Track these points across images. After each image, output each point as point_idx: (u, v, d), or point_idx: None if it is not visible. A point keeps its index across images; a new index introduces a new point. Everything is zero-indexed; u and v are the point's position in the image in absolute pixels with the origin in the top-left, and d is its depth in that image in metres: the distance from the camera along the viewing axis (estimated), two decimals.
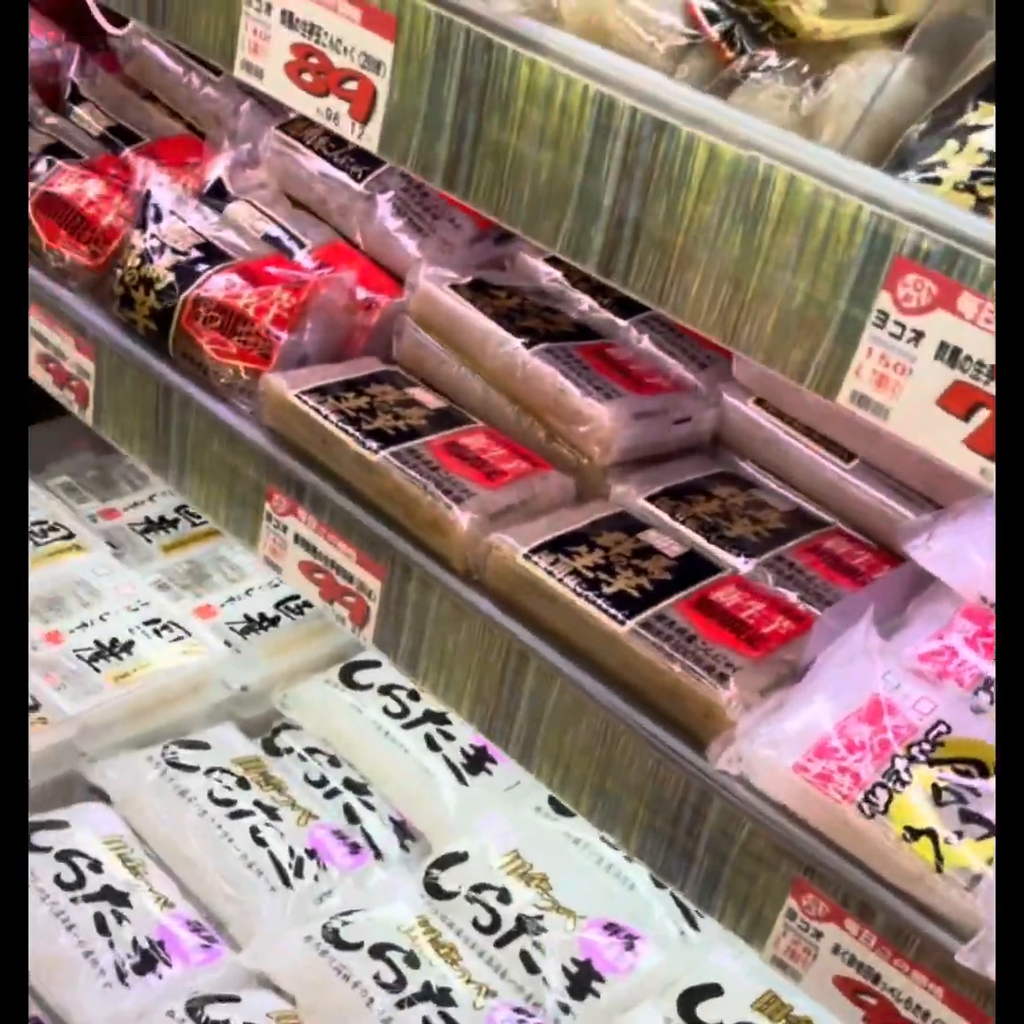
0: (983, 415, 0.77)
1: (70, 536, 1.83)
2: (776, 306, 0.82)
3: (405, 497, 1.23)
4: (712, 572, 1.19)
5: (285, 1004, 1.45)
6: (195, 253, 1.37)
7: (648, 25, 0.84)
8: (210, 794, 1.57)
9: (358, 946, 1.47)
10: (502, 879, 1.61)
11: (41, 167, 1.45)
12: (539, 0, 0.87)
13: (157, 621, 1.73)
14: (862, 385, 0.81)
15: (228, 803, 1.58)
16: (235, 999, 1.41)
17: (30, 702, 1.58)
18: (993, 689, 1.11)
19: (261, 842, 1.56)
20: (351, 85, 0.97)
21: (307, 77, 0.99)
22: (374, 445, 1.25)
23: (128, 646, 1.69)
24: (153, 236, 1.37)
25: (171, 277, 1.35)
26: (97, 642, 1.68)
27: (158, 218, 1.39)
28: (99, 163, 1.47)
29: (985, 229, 0.74)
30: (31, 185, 1.44)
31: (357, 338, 1.39)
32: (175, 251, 1.36)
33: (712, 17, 0.84)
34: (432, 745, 1.76)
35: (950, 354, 0.77)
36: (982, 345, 0.75)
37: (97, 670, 1.64)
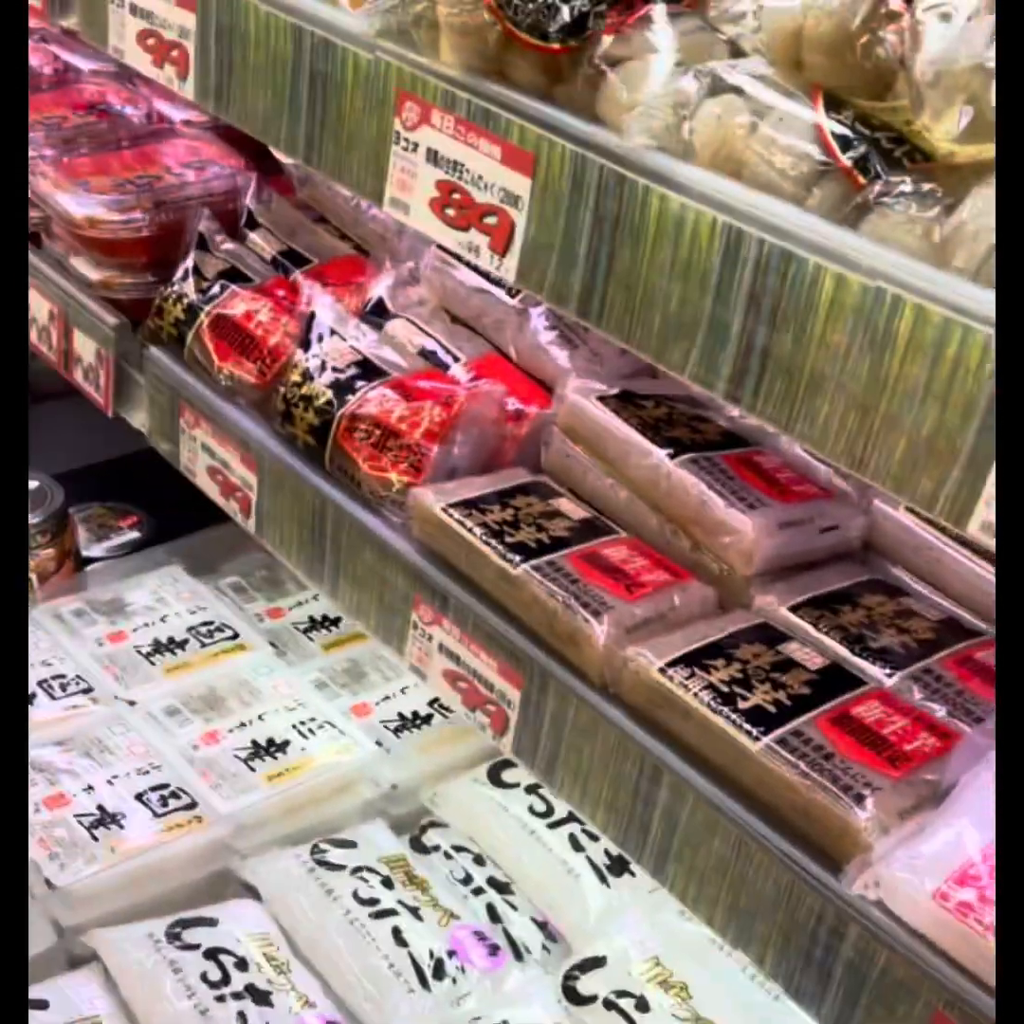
0: None
1: (235, 636, 1.86)
2: (904, 435, 0.80)
3: (544, 610, 1.22)
4: (855, 686, 1.15)
5: None
6: (353, 370, 1.39)
7: (780, 154, 0.83)
8: (355, 893, 1.56)
9: None
10: (641, 986, 1.55)
11: (215, 290, 1.50)
12: (672, 132, 0.86)
13: (313, 720, 1.74)
14: (992, 515, 0.77)
15: (372, 902, 1.56)
16: None
17: (187, 800, 1.59)
18: None
19: (402, 942, 1.54)
20: (491, 219, 0.98)
21: (450, 212, 1.00)
22: (515, 558, 1.24)
23: (284, 745, 1.71)
24: (315, 355, 1.40)
25: (329, 394, 1.38)
26: (254, 741, 1.70)
27: (320, 337, 1.42)
28: (269, 286, 1.51)
29: None
30: (206, 308, 1.49)
31: (507, 449, 1.39)
32: (334, 369, 1.39)
33: (845, 143, 0.82)
34: (576, 845, 1.72)
35: None
36: None
37: (253, 769, 1.66)
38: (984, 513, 0.78)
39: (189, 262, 1.54)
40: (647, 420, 1.30)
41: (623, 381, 1.39)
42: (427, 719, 1.84)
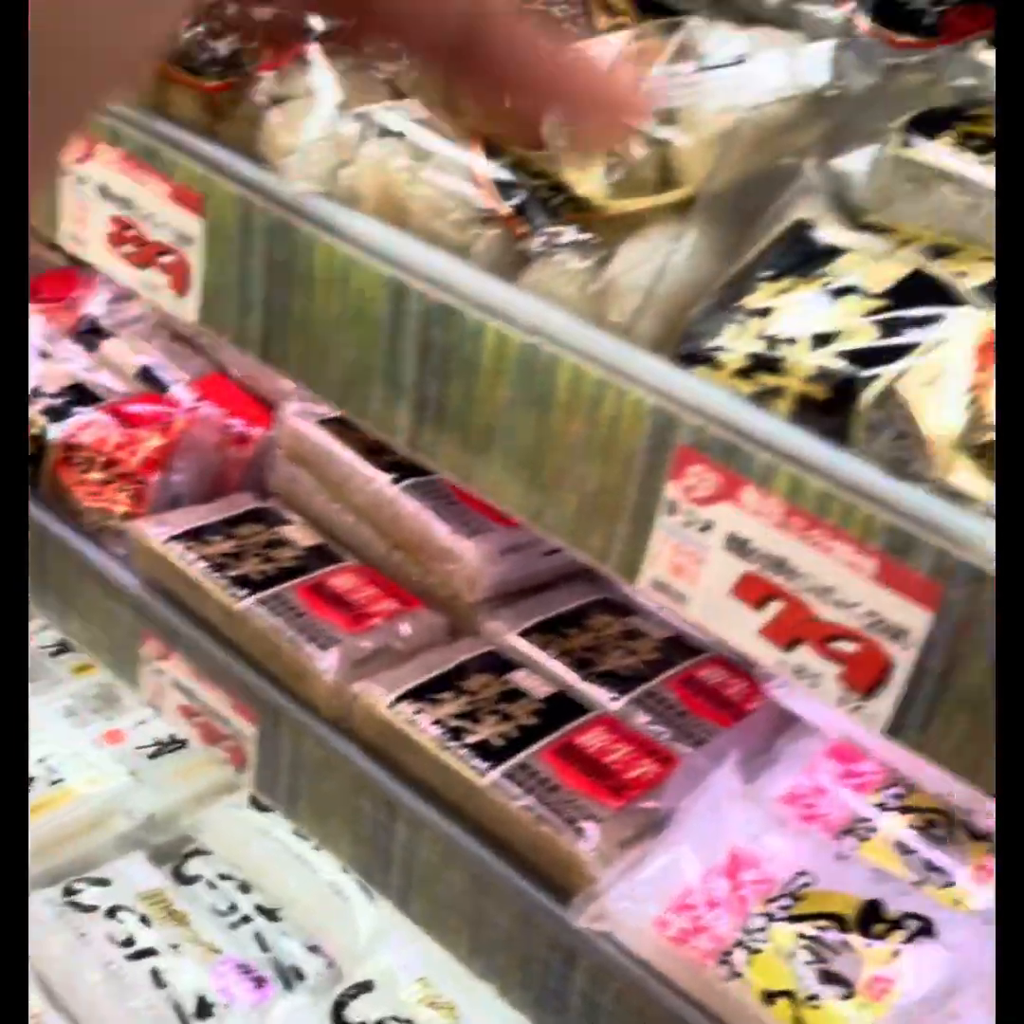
0: (775, 607, 0.74)
1: None
2: (574, 492, 0.80)
3: (270, 645, 1.21)
4: (580, 713, 1.16)
5: None
6: (67, 395, 1.35)
7: (442, 200, 0.82)
8: (109, 935, 1.53)
9: None
10: (411, 1009, 1.56)
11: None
12: (334, 177, 0.85)
13: (60, 752, 1.70)
14: (659, 572, 0.78)
15: (128, 943, 1.54)
16: None
17: None
18: (857, 832, 1.08)
19: (162, 983, 1.51)
20: (167, 258, 0.95)
21: (127, 249, 0.97)
22: (238, 592, 1.22)
23: (30, 781, 1.66)
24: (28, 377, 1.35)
25: (42, 421, 1.33)
26: None
27: (32, 360, 1.37)
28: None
29: (763, 421, 0.72)
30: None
31: (232, 473, 1.37)
32: (47, 394, 1.34)
33: (505, 190, 0.82)
34: (344, 867, 1.72)
35: (738, 545, 0.74)
36: (768, 538, 0.73)
37: None
38: (651, 569, 0.79)
39: None
40: (369, 443, 1.29)
41: None
42: (184, 743, 1.80)
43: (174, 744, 1.80)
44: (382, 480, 1.26)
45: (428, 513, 1.23)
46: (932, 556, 0.66)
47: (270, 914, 1.70)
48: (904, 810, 1.07)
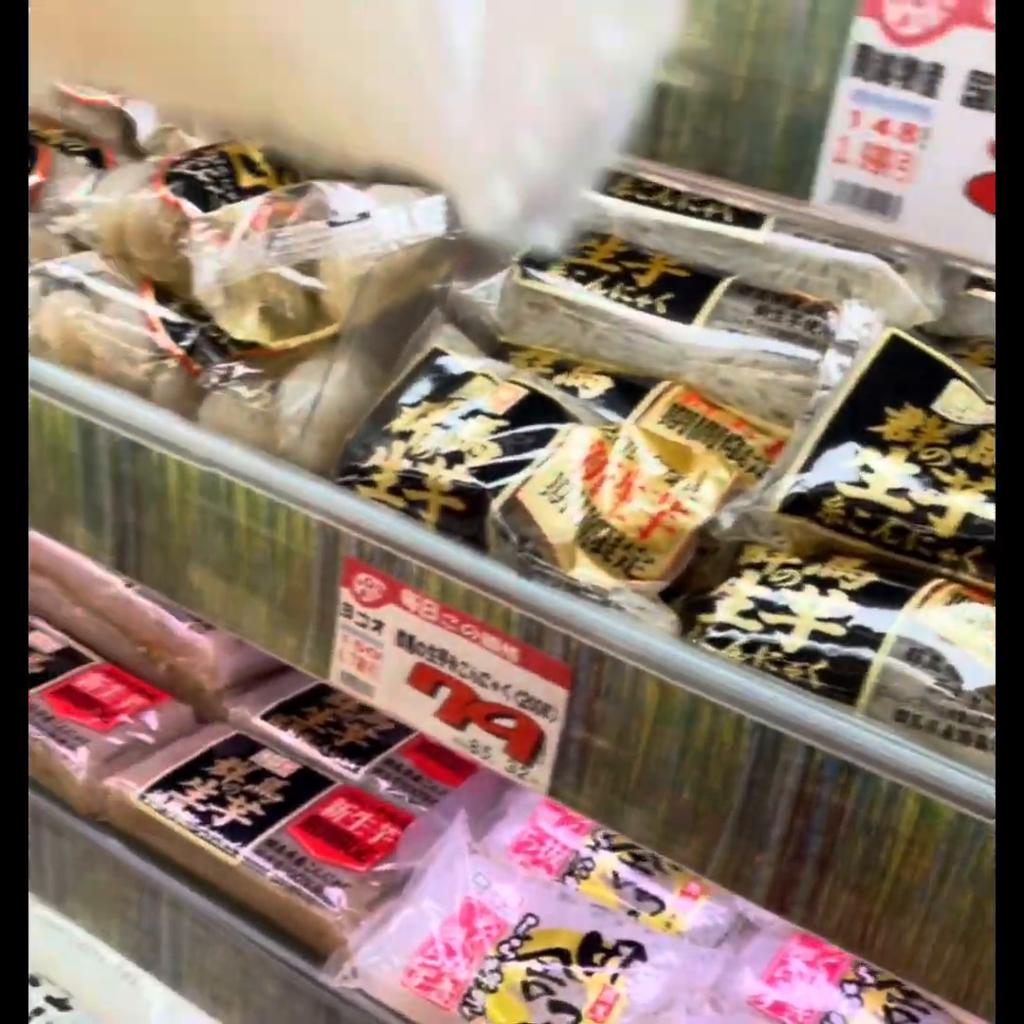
0: (445, 692, 0.83)
1: None
2: (265, 600, 0.88)
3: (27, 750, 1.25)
4: (324, 786, 1.24)
5: None
6: None
7: (119, 344, 0.89)
8: None
9: None
10: None
11: None
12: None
13: None
14: (347, 666, 0.87)
15: None
16: None
17: None
18: (576, 872, 1.18)
19: None
20: None
21: None
22: None
23: None
24: None
25: None
26: None
27: None
28: None
29: (413, 532, 0.81)
30: None
31: None
32: None
33: (177, 332, 0.89)
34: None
35: (407, 640, 0.83)
36: (430, 633, 0.82)
37: None
38: (340, 664, 0.87)
39: None
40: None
41: None
42: None
43: None
44: (118, 583, 1.31)
45: (164, 611, 1.29)
46: (561, 642, 0.76)
47: (60, 1004, 1.72)
48: (615, 848, 1.18)
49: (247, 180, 0.85)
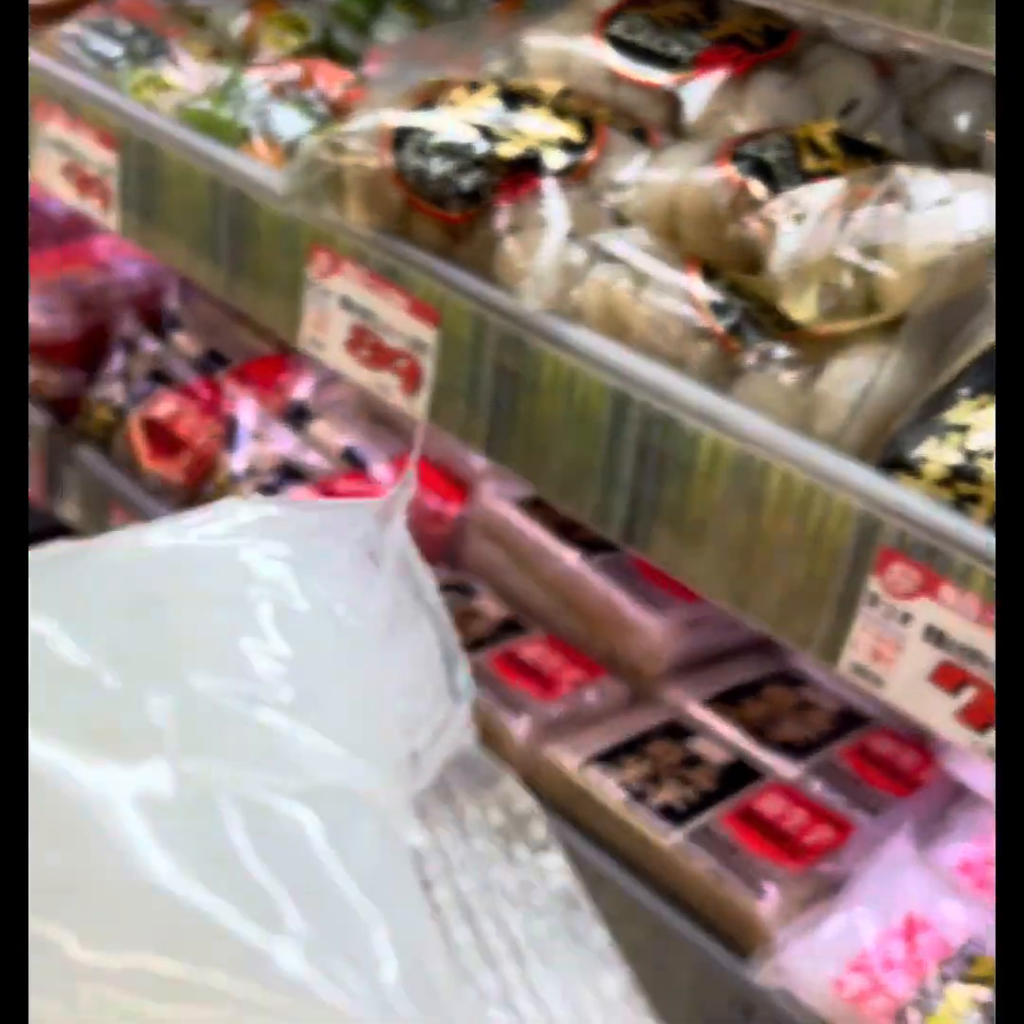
0: (969, 693, 0.81)
1: None
2: (780, 582, 0.88)
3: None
4: (757, 779, 1.24)
5: None
6: (276, 474, 1.47)
7: (660, 319, 0.92)
8: None
9: None
10: None
11: (141, 391, 1.57)
12: (563, 297, 0.95)
13: None
14: (859, 657, 0.86)
15: None
16: None
17: None
18: None
19: None
20: (401, 363, 1.06)
21: (363, 353, 1.08)
22: None
23: None
24: (239, 458, 1.47)
25: (256, 497, 1.45)
26: None
27: (245, 440, 1.49)
28: (194, 387, 1.58)
29: (962, 526, 0.79)
30: (133, 409, 1.56)
31: (428, 548, 1.46)
32: (258, 472, 1.46)
33: (719, 310, 0.91)
34: None
35: (936, 636, 0.82)
36: (965, 632, 0.80)
37: None
38: (852, 654, 0.87)
39: (115, 363, 1.61)
40: (559, 522, 1.38)
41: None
42: None
43: None
44: (571, 557, 1.35)
45: (614, 589, 1.32)
46: None
47: None
48: None
49: (812, 163, 0.86)
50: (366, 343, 1.08)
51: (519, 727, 1.27)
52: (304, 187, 1.06)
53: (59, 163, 1.29)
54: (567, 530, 1.38)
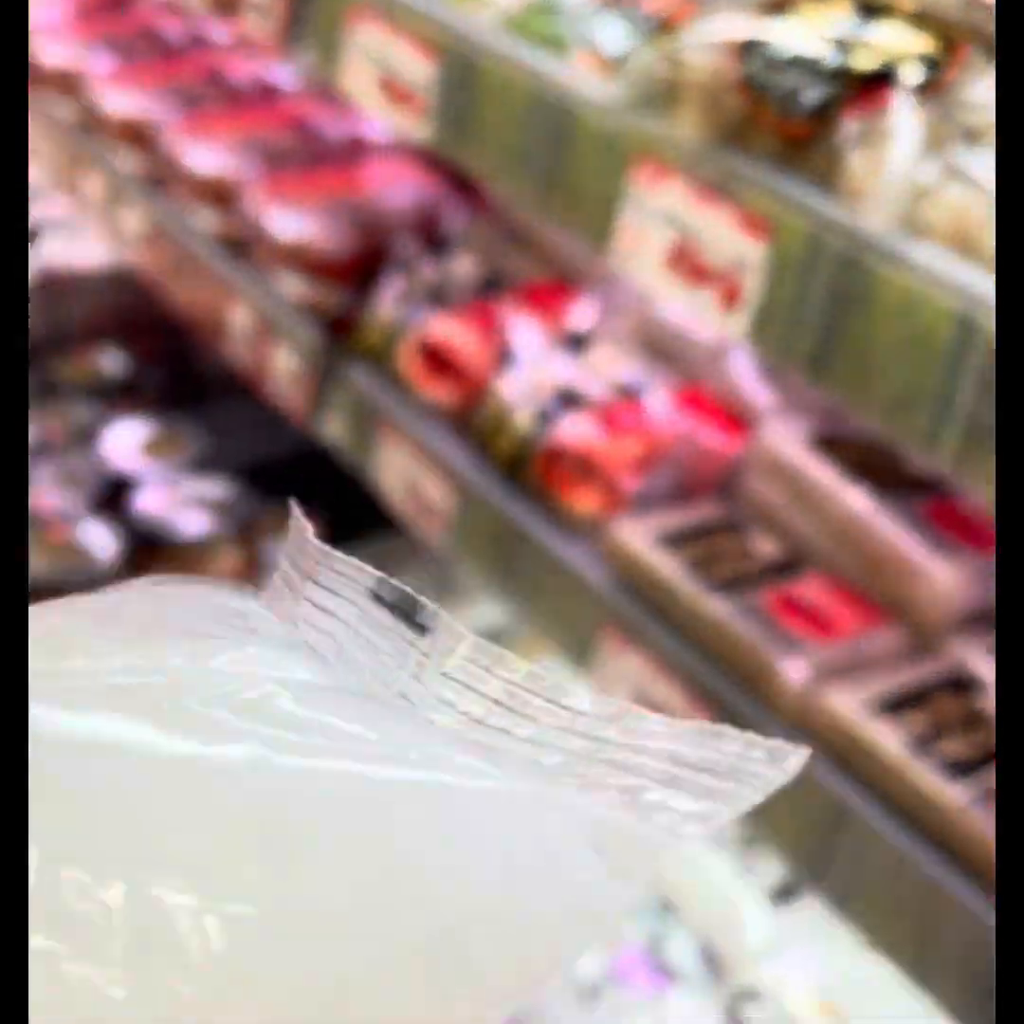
0: None
1: None
2: None
3: (737, 649, 1.30)
4: None
5: None
6: (554, 399, 1.48)
7: None
8: None
9: None
10: (810, 1020, 1.63)
11: (418, 312, 1.60)
12: (908, 216, 0.93)
13: None
14: None
15: None
16: None
17: None
18: None
19: None
20: (719, 281, 1.06)
21: (679, 270, 1.09)
22: (710, 595, 1.32)
23: None
24: (516, 382, 1.49)
25: (530, 422, 1.47)
26: None
27: (522, 365, 1.51)
28: (471, 309, 1.61)
29: None
30: (409, 329, 1.59)
31: (704, 482, 1.47)
32: (536, 397, 1.48)
33: None
34: (743, 871, 1.80)
35: None
36: None
37: None
38: None
39: (392, 284, 1.65)
40: (845, 465, 1.37)
41: (819, 423, 1.46)
42: None
43: None
44: (859, 499, 1.33)
45: (903, 533, 1.30)
46: None
47: (664, 909, 1.79)
48: None
49: None
50: (685, 260, 1.08)
51: (795, 670, 1.27)
52: (636, 98, 1.06)
53: (372, 74, 1.33)
54: (852, 473, 1.37)
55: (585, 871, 0.45)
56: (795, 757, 0.47)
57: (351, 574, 0.52)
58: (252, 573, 2.01)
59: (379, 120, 1.35)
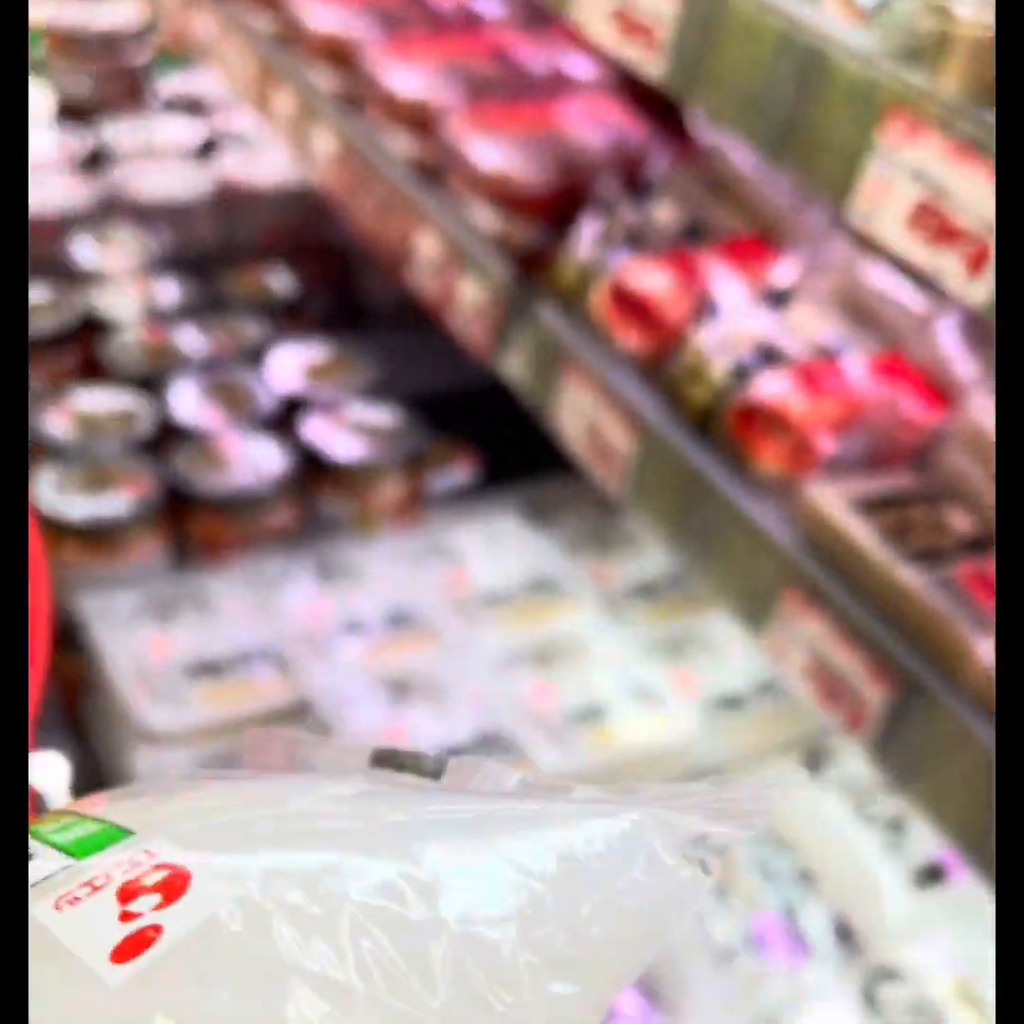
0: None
1: (567, 592, 1.98)
2: None
3: (927, 620, 1.29)
4: None
5: None
6: (752, 355, 1.48)
7: None
8: None
9: None
10: (945, 1002, 1.63)
11: (617, 256, 1.60)
12: None
13: (638, 688, 1.85)
14: None
15: None
16: None
17: (517, 753, 1.72)
18: None
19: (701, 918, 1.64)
20: (966, 244, 1.04)
21: (923, 231, 1.08)
22: (903, 565, 1.32)
23: (607, 709, 1.82)
24: (714, 334, 1.49)
25: (726, 376, 1.47)
26: (581, 702, 1.82)
27: (721, 317, 1.51)
28: (671, 257, 1.60)
29: None
30: (607, 272, 1.60)
31: (900, 451, 1.46)
32: (733, 351, 1.48)
33: None
34: (888, 849, 1.79)
35: None
36: None
37: (583, 730, 1.78)
38: None
39: (592, 224, 1.65)
40: None
41: None
42: (744, 701, 1.93)
43: (738, 701, 1.93)
44: None
45: None
46: None
47: (804, 880, 1.80)
48: None
49: None
50: (931, 219, 1.07)
51: (987, 648, 1.26)
52: (894, 48, 1.05)
53: (607, 4, 1.32)
54: None
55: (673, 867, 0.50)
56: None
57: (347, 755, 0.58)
58: (415, 505, 2.03)
59: (610, 53, 1.34)
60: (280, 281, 2.48)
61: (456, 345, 1.92)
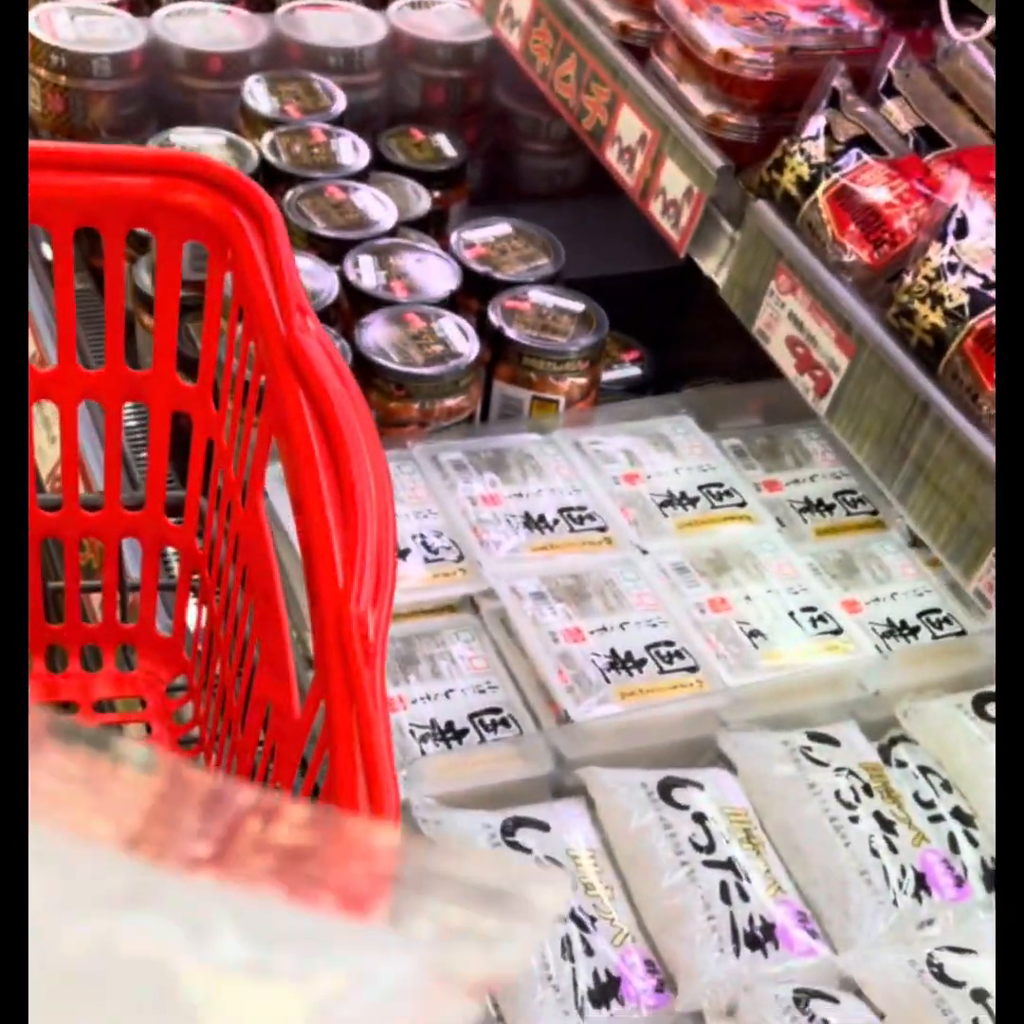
0: None
1: (743, 504, 1.96)
2: None
3: None
4: None
5: (874, 1019, 1.54)
6: (994, 278, 1.43)
7: None
8: (837, 794, 1.67)
9: (961, 985, 1.54)
10: None
11: (847, 157, 1.55)
12: None
13: (813, 609, 1.84)
14: None
15: (850, 806, 1.67)
16: (834, 1000, 1.52)
17: (690, 663, 1.72)
18: None
19: (875, 853, 1.65)
20: None
21: None
22: None
23: (783, 629, 1.81)
24: (952, 252, 1.44)
25: (963, 298, 1.43)
26: (755, 618, 1.81)
27: (961, 234, 1.46)
28: (904, 163, 1.55)
29: None
30: (834, 174, 1.55)
31: None
32: (973, 274, 1.43)
33: None
34: None
35: None
36: None
37: (756, 646, 1.77)
38: None
39: (820, 120, 1.60)
40: None
41: None
42: (914, 631, 1.91)
43: (905, 630, 1.91)
44: None
45: None
46: None
47: (966, 820, 1.79)
48: None
49: None
50: None
51: None
52: None
53: None
54: None
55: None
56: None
57: None
58: (593, 393, 2.01)
59: None
60: (449, 144, 2.43)
61: (627, 234, 1.88)
